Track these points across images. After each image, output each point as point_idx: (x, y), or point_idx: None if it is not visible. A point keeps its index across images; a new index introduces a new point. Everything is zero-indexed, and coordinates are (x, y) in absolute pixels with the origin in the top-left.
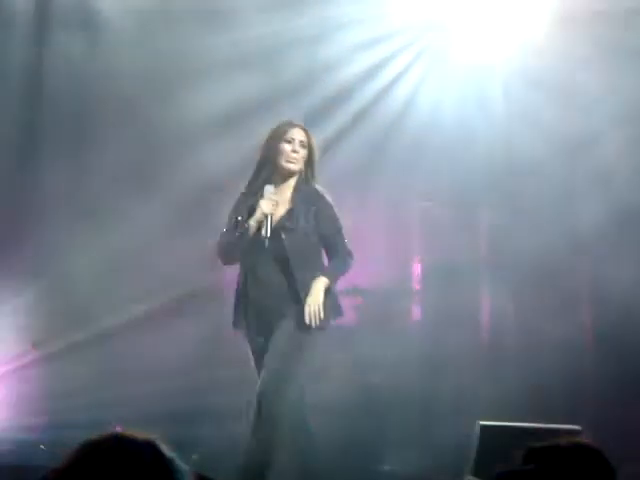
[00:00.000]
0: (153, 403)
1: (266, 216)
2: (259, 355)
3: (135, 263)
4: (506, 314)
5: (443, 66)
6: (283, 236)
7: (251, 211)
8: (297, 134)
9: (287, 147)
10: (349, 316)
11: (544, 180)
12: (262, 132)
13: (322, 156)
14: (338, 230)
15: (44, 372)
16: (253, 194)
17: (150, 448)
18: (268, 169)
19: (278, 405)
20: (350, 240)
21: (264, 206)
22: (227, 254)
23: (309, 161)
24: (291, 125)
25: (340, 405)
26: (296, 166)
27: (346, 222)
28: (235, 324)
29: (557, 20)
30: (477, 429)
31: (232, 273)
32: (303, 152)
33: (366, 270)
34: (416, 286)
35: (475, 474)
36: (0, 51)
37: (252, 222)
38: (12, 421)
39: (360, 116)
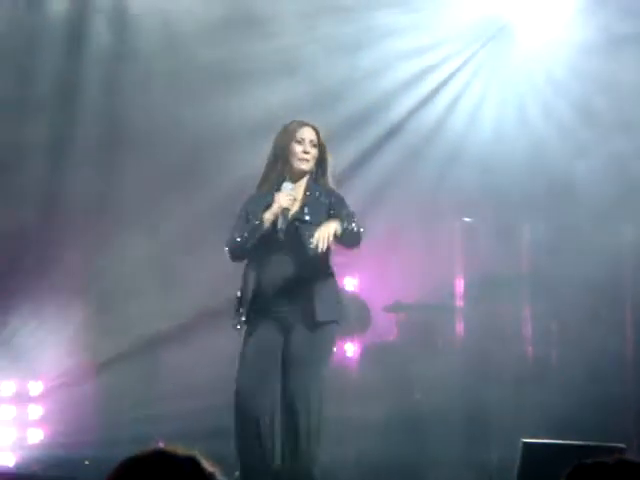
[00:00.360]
0: (197, 419)
1: (283, 210)
2: (266, 354)
3: (180, 276)
4: (549, 329)
5: (486, 81)
6: (300, 230)
7: (266, 208)
8: (307, 134)
9: (298, 147)
10: (392, 332)
11: (585, 195)
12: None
13: (360, 167)
14: (348, 211)
15: (90, 388)
16: (266, 192)
17: (191, 463)
18: (280, 168)
19: (315, 420)
20: (392, 255)
21: (282, 200)
22: (240, 249)
23: (320, 160)
24: (301, 125)
25: (383, 422)
26: (308, 165)
27: (391, 238)
28: (238, 322)
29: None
30: (520, 446)
31: None
32: (314, 151)
33: (409, 286)
34: (459, 302)
35: None
36: (35, 56)
37: (268, 215)
38: (58, 436)
39: (400, 127)
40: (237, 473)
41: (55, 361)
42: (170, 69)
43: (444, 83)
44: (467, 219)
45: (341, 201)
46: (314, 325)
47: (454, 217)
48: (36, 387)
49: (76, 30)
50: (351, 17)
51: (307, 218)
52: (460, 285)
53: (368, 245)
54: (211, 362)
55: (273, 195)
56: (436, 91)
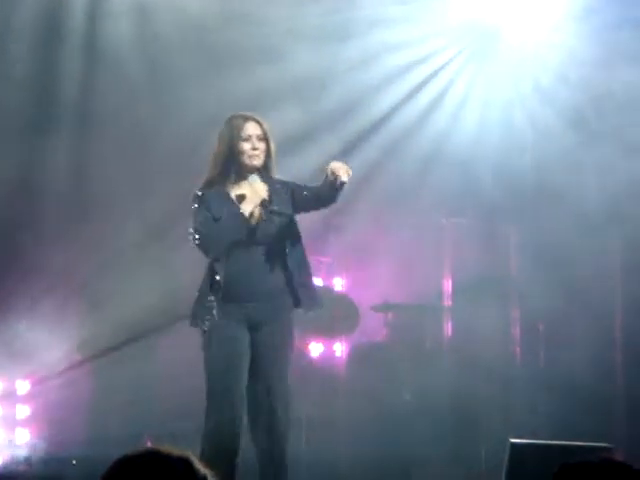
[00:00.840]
0: (188, 419)
1: (262, 201)
2: (238, 352)
3: (170, 275)
4: (537, 330)
5: (479, 93)
6: (275, 220)
7: (236, 200)
8: (253, 129)
9: (246, 145)
10: (380, 332)
11: (573, 198)
12: (303, 161)
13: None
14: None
15: (78, 388)
16: (220, 188)
17: (184, 464)
18: (229, 166)
19: (290, 414)
20: (380, 255)
21: (260, 191)
22: (216, 244)
23: (268, 152)
24: (244, 120)
25: (370, 422)
26: (258, 161)
27: (378, 238)
28: (200, 320)
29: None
30: (508, 446)
31: None
32: (262, 146)
33: (397, 286)
34: (447, 302)
35: None
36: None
37: (249, 207)
38: (45, 436)
39: (383, 121)
40: None
41: (42, 360)
42: (153, 57)
43: (429, 78)
44: (455, 220)
45: (297, 183)
46: (288, 317)
47: (442, 218)
48: (23, 386)
49: (56, 17)
50: (338, 6)
51: (275, 208)
52: (448, 285)
53: (356, 245)
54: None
55: (228, 193)
56: (421, 86)
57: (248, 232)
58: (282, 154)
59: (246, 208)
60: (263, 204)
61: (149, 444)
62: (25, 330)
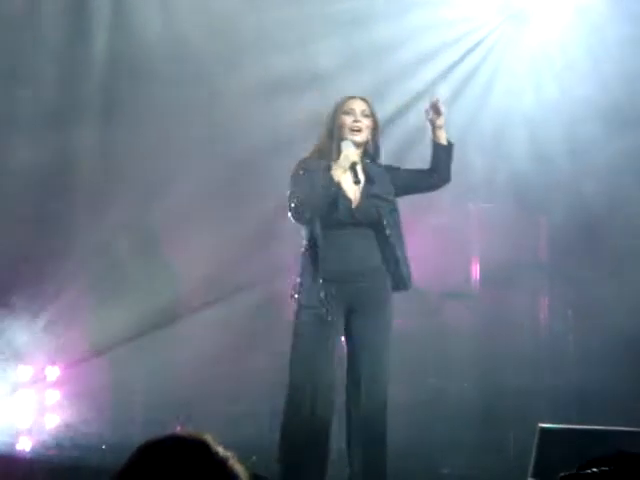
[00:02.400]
0: (213, 404)
1: (353, 164)
2: (330, 333)
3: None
4: (565, 316)
5: (505, 68)
6: (381, 205)
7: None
8: (356, 104)
9: (348, 118)
10: (408, 317)
11: (604, 181)
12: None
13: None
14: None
15: (106, 373)
16: (323, 162)
17: (201, 447)
18: (330, 144)
19: (384, 406)
20: (407, 239)
21: (351, 155)
22: (307, 207)
23: (374, 130)
24: (350, 97)
25: (399, 407)
26: (361, 136)
27: (405, 224)
28: (302, 297)
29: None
30: (537, 431)
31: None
32: (367, 122)
33: (424, 273)
34: (475, 287)
35: (535, 476)
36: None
37: (337, 169)
38: (74, 421)
39: (414, 104)
40: (254, 458)
41: (72, 346)
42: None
43: (458, 62)
44: (483, 205)
45: (400, 167)
46: (386, 298)
47: (470, 203)
48: (53, 372)
49: (79, 4)
50: None
51: (383, 195)
52: (476, 271)
53: None
54: (227, 347)
55: (327, 168)
56: (449, 70)
57: (348, 212)
58: (313, 139)
59: (339, 172)
60: (353, 167)
61: (178, 429)
62: (52, 317)
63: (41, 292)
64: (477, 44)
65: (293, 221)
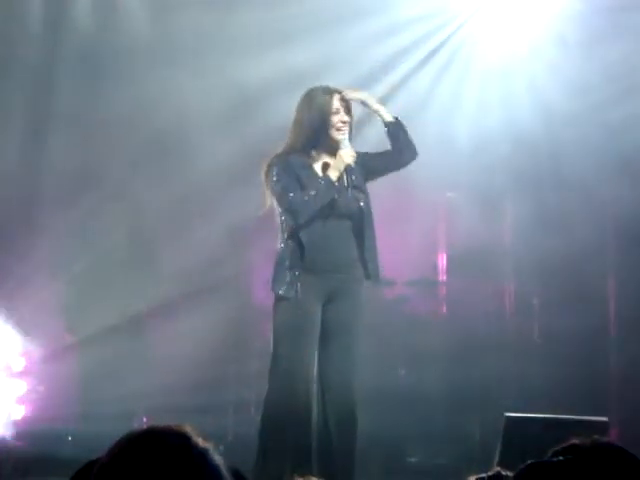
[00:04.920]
0: (181, 395)
1: (346, 167)
2: (309, 323)
3: (163, 252)
4: (531, 304)
5: (466, 59)
6: (360, 196)
7: (322, 169)
8: (340, 102)
9: (335, 118)
10: (374, 306)
11: (569, 171)
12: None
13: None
14: None
15: (73, 365)
16: (302, 157)
17: (180, 439)
18: (315, 138)
19: (356, 393)
20: (376, 231)
21: (346, 156)
22: (308, 208)
23: (351, 125)
24: (331, 93)
25: (367, 396)
26: (346, 134)
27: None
28: (281, 289)
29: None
30: (503, 420)
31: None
32: (348, 119)
33: (391, 261)
34: (441, 277)
35: (501, 464)
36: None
37: (332, 172)
38: (40, 412)
39: (387, 97)
40: (221, 447)
41: (39, 337)
42: (155, 40)
43: (433, 53)
44: (449, 194)
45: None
46: (361, 290)
47: (437, 191)
48: (19, 363)
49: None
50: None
51: (363, 187)
52: (442, 260)
53: None
54: (195, 339)
55: (311, 165)
56: (415, 72)
57: (333, 203)
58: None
59: (335, 173)
60: (347, 169)
61: (144, 420)
62: (19, 307)
63: (8, 279)
64: (449, 37)
65: (284, 216)
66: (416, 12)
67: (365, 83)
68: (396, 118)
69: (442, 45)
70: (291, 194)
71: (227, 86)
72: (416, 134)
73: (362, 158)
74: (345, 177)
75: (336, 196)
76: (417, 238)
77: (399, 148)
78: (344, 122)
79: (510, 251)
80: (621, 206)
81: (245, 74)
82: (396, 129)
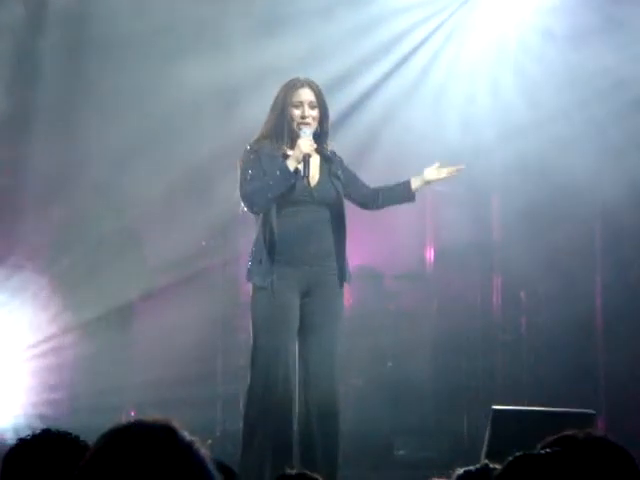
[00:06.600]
0: (168, 389)
1: (305, 156)
2: (287, 314)
3: (151, 244)
4: (519, 298)
5: (454, 51)
6: (335, 184)
7: (282, 158)
8: (305, 95)
9: (296, 111)
10: (362, 300)
11: (557, 165)
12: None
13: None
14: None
15: (59, 357)
16: (273, 147)
17: (166, 432)
18: (281, 129)
19: (337, 385)
20: (362, 223)
21: (304, 145)
22: (265, 198)
23: (321, 119)
24: (298, 85)
25: (354, 389)
26: (306, 128)
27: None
28: (256, 279)
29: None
30: (490, 413)
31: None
32: (314, 113)
33: (379, 255)
34: (429, 270)
35: (488, 457)
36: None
37: (290, 162)
38: (24, 406)
39: (368, 97)
40: (209, 441)
41: (23, 331)
42: (141, 30)
43: (419, 46)
44: (438, 188)
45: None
46: (339, 285)
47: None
48: (6, 356)
49: None
50: None
51: (338, 172)
52: (430, 253)
53: None
54: (183, 332)
55: (282, 154)
56: (412, 54)
57: (306, 191)
58: None
59: (293, 163)
60: (306, 159)
61: (132, 414)
62: (9, 298)
63: None
64: (436, 29)
65: (245, 209)
66: (403, 3)
67: (352, 74)
68: (415, 196)
69: (430, 37)
70: (247, 183)
71: (214, 77)
72: (403, 127)
73: (341, 163)
74: (302, 168)
75: (306, 175)
76: (405, 232)
77: (377, 205)
78: (304, 117)
79: (498, 245)
80: (609, 200)
81: (233, 65)
82: (404, 199)
